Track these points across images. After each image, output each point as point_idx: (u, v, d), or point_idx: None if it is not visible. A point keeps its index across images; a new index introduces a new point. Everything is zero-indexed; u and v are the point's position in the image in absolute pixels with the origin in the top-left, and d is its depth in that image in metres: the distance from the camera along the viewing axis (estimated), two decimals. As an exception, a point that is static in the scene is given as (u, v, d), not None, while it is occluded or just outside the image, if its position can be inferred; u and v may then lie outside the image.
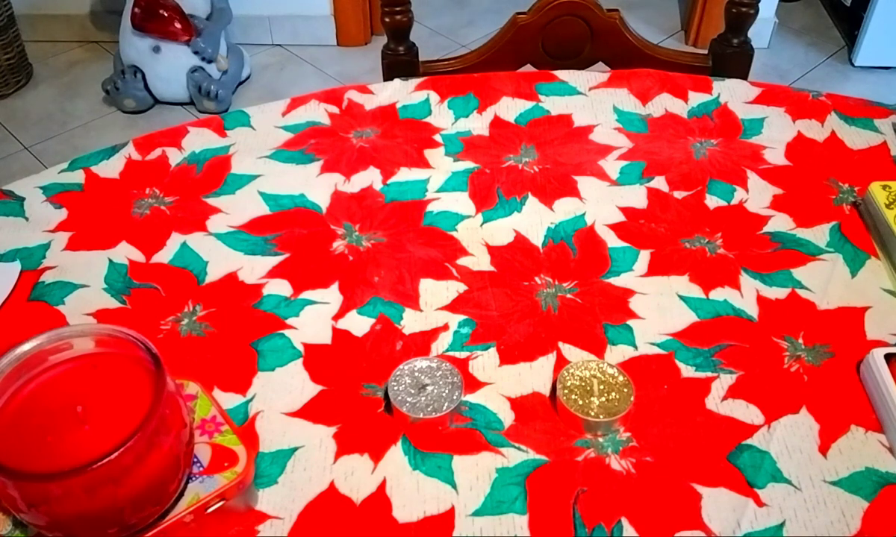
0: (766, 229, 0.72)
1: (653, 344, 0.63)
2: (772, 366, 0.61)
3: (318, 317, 0.65)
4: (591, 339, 0.63)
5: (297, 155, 0.81)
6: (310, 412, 0.58)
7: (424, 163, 0.80)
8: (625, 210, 0.75)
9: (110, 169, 0.80)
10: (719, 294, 0.66)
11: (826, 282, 0.67)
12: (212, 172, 0.79)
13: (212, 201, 0.76)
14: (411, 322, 0.65)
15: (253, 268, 0.69)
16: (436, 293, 0.67)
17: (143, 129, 2.09)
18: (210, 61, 2.13)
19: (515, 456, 0.55)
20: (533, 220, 0.74)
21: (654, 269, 0.69)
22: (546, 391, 0.59)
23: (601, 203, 0.76)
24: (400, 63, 1.05)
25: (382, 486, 0.54)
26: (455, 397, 0.57)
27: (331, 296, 0.67)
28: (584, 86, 0.90)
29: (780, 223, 0.73)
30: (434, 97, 0.89)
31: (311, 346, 0.63)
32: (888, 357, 0.58)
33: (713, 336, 0.63)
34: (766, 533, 0.51)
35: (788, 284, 0.67)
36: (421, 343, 0.63)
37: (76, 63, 2.38)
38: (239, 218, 0.74)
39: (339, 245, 0.71)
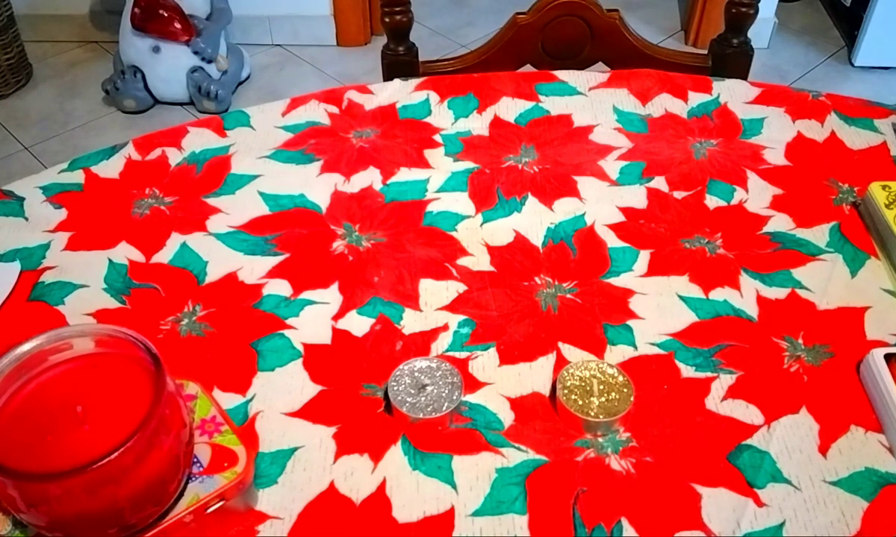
0: (765, 229, 0.72)
1: (653, 344, 0.63)
2: (771, 366, 0.61)
3: (317, 317, 0.65)
4: (590, 339, 0.63)
5: (296, 155, 0.81)
6: (310, 412, 0.58)
7: (424, 164, 0.80)
8: (624, 210, 0.75)
9: (110, 169, 0.80)
10: (719, 294, 0.66)
11: (826, 282, 0.67)
12: (212, 172, 0.79)
13: (212, 201, 0.76)
14: (411, 322, 0.65)
15: (253, 268, 0.69)
16: (436, 293, 0.67)
17: (143, 128, 2.09)
18: (210, 61, 2.13)
19: (515, 456, 0.55)
20: (533, 220, 0.74)
21: (654, 269, 0.69)
22: (546, 391, 0.59)
23: (601, 203, 0.76)
24: (400, 63, 1.05)
25: (382, 486, 0.54)
26: (455, 397, 0.57)
27: (331, 296, 0.67)
28: (584, 86, 0.90)
29: (780, 223, 0.73)
30: (434, 97, 0.89)
31: (311, 346, 0.63)
32: (888, 357, 0.58)
33: (713, 336, 0.63)
34: (766, 534, 0.51)
35: (788, 284, 0.67)
36: (421, 343, 0.63)
37: (76, 63, 2.38)
38: (239, 218, 0.74)
39: (338, 245, 0.71)
